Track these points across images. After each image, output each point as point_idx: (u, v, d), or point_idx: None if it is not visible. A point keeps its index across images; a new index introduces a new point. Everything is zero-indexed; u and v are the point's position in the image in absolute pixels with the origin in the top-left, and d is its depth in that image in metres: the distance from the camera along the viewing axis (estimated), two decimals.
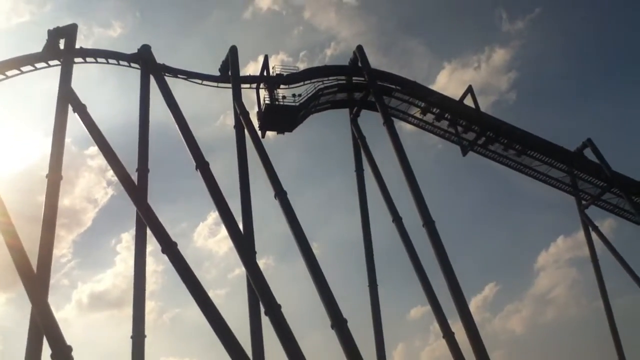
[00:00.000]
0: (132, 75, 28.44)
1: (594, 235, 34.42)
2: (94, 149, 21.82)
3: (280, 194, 23.56)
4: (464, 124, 32.71)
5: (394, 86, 31.94)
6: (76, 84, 25.73)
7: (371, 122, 32.01)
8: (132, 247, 24.52)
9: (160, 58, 28.50)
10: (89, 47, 28.34)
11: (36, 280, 20.11)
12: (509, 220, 61.15)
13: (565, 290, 60.16)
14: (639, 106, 63.83)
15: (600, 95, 65.13)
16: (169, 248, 20.56)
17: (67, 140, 24.59)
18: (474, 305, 55.93)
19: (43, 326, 19.04)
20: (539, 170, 33.80)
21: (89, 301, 58.21)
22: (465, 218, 61.77)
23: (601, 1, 66.71)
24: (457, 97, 33.02)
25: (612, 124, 61.53)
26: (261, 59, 31.70)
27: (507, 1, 67.82)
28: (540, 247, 60.60)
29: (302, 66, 63.23)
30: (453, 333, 23.87)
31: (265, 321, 20.46)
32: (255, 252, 23.73)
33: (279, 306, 19.68)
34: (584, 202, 35.00)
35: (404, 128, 34.10)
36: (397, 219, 27.57)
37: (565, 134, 56.40)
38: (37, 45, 27.26)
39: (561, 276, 60.14)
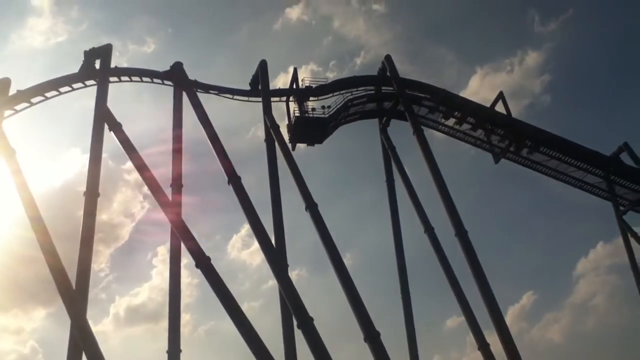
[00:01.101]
0: (166, 91, 29.18)
1: (632, 241, 33.50)
2: (131, 164, 22.64)
3: (312, 206, 23.68)
4: (496, 131, 32.37)
5: (423, 95, 31.82)
6: (111, 101, 26.49)
7: (401, 131, 32.05)
8: (168, 261, 25.05)
9: (192, 72, 29.12)
10: (124, 63, 29.53)
11: (75, 297, 20.65)
12: (545, 228, 59.83)
13: (605, 298, 58.53)
14: None
15: (637, 96, 63.57)
16: (203, 263, 20.86)
17: (104, 155, 25.26)
18: (511, 315, 55.09)
19: (82, 342, 19.54)
20: (574, 176, 33.17)
21: (126, 315, 59.14)
22: (500, 227, 60.85)
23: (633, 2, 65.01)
24: (489, 102, 32.70)
25: None
26: (291, 69, 32.09)
27: (538, 2, 66.72)
28: (579, 254, 59.33)
29: (331, 75, 63.80)
30: (488, 344, 23.62)
31: (298, 334, 20.57)
32: (287, 265, 23.88)
33: (312, 319, 19.77)
34: (622, 207, 34.07)
35: (434, 135, 33.92)
36: (429, 229, 27.47)
37: (601, 137, 55.28)
38: (74, 63, 28.14)
39: (601, 284, 58.58)
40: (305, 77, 32.00)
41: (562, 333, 57.96)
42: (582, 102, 64.93)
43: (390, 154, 31.77)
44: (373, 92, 32.19)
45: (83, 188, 23.68)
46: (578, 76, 66.21)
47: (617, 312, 56.60)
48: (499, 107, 32.18)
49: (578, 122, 61.24)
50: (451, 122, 32.47)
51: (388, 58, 32.00)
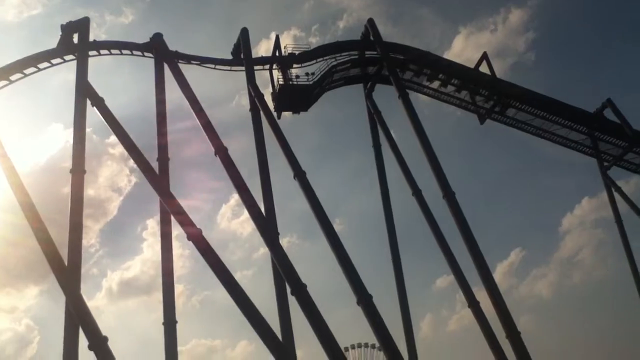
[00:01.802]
0: (147, 62, 28.71)
1: (617, 196, 34.05)
2: (116, 138, 22.40)
3: (300, 174, 23.75)
4: (481, 91, 32.41)
5: (407, 58, 31.64)
6: (92, 74, 26.15)
7: (387, 95, 31.99)
8: (158, 233, 25.10)
9: (172, 43, 28.64)
10: (103, 35, 29.09)
11: (68, 273, 20.78)
12: (531, 186, 60.94)
13: (591, 252, 59.84)
14: None
15: (621, 53, 63.75)
16: (194, 235, 20.91)
17: (88, 129, 25.09)
18: (499, 271, 56.30)
19: (78, 318, 19.71)
20: (559, 133, 33.48)
21: (119, 288, 59.65)
22: (487, 186, 61.77)
23: None
24: (474, 62, 32.68)
25: (634, 82, 60.29)
26: (273, 36, 31.68)
27: None
28: (565, 210, 60.25)
29: (314, 40, 63.23)
30: (478, 302, 24.02)
31: (292, 300, 20.87)
32: (278, 234, 24.02)
33: (305, 286, 20.05)
34: (605, 163, 34.54)
35: (420, 97, 33.91)
36: (417, 192, 27.63)
37: (586, 93, 55.63)
38: (51, 37, 27.70)
39: (587, 238, 59.91)
40: (288, 44, 31.62)
41: (550, 288, 59.45)
42: (566, 59, 65.47)
43: (376, 118, 31.71)
44: (357, 57, 31.93)
45: (68, 164, 23.60)
46: (562, 33, 66.50)
47: (602, 265, 58.03)
48: (484, 68, 32.19)
49: (562, 79, 61.68)
50: (436, 84, 32.44)
51: (371, 22, 31.71)
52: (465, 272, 25.08)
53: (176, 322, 22.99)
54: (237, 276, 20.83)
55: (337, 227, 22.90)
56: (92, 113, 24.91)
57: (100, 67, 28.89)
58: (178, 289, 36.58)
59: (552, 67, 64.95)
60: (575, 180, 55.98)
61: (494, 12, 72.59)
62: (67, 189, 23.25)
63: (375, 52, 31.38)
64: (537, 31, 66.79)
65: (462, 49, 64.45)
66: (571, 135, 33.55)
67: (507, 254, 58.47)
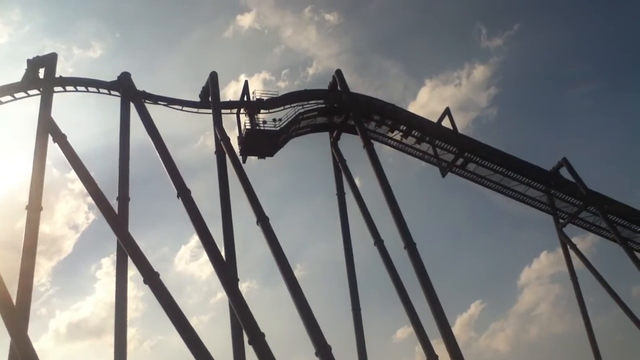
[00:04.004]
0: (113, 100, 28.52)
1: (572, 252, 34.93)
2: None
3: (263, 220, 23.56)
4: (443, 145, 33.21)
5: (372, 109, 32.31)
6: (56, 108, 25.84)
7: (352, 144, 32.42)
8: (113, 272, 24.56)
9: (140, 80, 28.77)
10: (70, 69, 29.23)
11: (15, 312, 19.83)
12: (492, 238, 61.90)
13: (549, 306, 60.56)
14: (613, 123, 65.46)
15: (578, 111, 66.58)
16: (151, 278, 20.42)
17: (48, 162, 24.46)
18: (459, 324, 56.33)
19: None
20: (517, 190, 34.41)
21: (68, 330, 57.15)
22: (448, 238, 62.37)
23: (578, 18, 68.39)
24: (438, 114, 33.57)
25: (589, 140, 62.83)
26: (243, 78, 32.08)
27: (485, 17, 69.16)
28: (524, 264, 61.25)
29: (283, 85, 64.09)
30: (437, 356, 23.87)
31: (249, 349, 20.36)
32: (237, 280, 23.65)
33: (263, 335, 19.56)
34: (561, 220, 35.58)
35: (385, 147, 34.49)
36: (378, 242, 27.78)
37: (543, 150, 57.56)
38: (15, 66, 27.33)
39: (544, 292, 60.63)
40: (257, 90, 31.90)
41: (508, 342, 59.59)
42: (526, 116, 67.72)
43: (340, 166, 32.05)
44: (324, 106, 32.43)
45: (25, 197, 22.91)
46: (523, 90, 69.03)
47: (559, 320, 58.73)
48: (446, 122, 33.10)
49: (522, 135, 63.61)
50: (399, 136, 33.11)
51: (339, 73, 32.42)
52: (425, 324, 25.04)
53: None
54: (193, 321, 20.37)
55: (298, 273, 22.78)
56: (54, 147, 24.50)
57: (64, 102, 28.48)
58: (130, 332, 35.38)
59: (512, 123, 67.29)
60: (534, 234, 57.18)
61: (459, 66, 75.22)
62: (21, 223, 22.60)
63: (341, 103, 31.96)
64: (499, 87, 69.33)
65: (427, 101, 66.31)
66: (529, 192, 34.52)
67: (467, 305, 58.65)
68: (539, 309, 61.02)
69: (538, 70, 69.24)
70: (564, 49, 68.29)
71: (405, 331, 53.86)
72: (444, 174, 33.73)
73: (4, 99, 26.49)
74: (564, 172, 34.34)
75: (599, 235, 35.33)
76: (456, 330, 23.88)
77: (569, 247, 35.05)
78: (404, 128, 32.62)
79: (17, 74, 27.02)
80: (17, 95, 26.68)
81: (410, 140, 33.16)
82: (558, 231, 35.63)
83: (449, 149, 33.17)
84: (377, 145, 30.33)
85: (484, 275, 59.00)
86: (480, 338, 59.38)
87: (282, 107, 31.36)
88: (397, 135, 33.10)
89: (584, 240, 40.91)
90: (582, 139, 63.49)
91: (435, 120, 33.36)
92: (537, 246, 59.86)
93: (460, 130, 33.56)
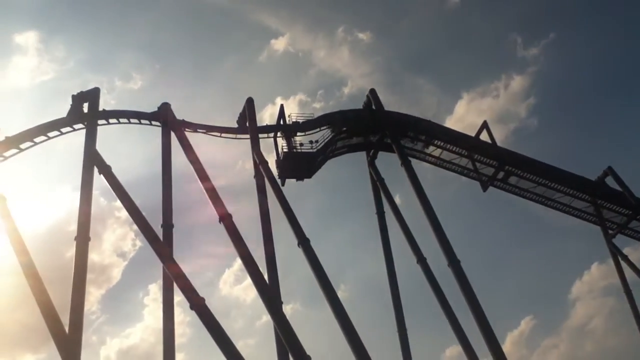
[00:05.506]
0: (154, 130, 29.34)
1: (623, 264, 33.71)
2: None
3: (304, 242, 23.71)
4: (482, 159, 32.78)
5: (408, 127, 32.21)
6: (100, 140, 26.77)
7: (390, 162, 32.30)
8: (160, 299, 24.87)
9: (179, 107, 29.37)
10: (112, 101, 30.07)
11: (69, 342, 20.43)
12: (538, 252, 59.76)
13: (603, 320, 58.17)
14: None
15: (621, 118, 64.67)
16: (197, 304, 20.67)
17: (95, 192, 25.34)
18: (510, 341, 54.74)
19: None
20: (562, 201, 33.56)
21: (118, 357, 57.98)
22: (493, 254, 60.82)
23: (615, 24, 66.78)
24: (477, 127, 33.21)
25: (634, 147, 60.77)
26: (279, 100, 32.48)
27: (520, 27, 68.14)
28: (574, 277, 59.29)
29: (319, 105, 64.59)
30: None
31: None
32: (281, 302, 23.75)
33: (309, 357, 19.58)
34: (610, 231, 34.39)
35: (423, 163, 34.19)
36: (421, 260, 27.55)
37: (587, 160, 56.02)
38: (61, 101, 28.40)
39: (598, 306, 58.34)
40: (292, 113, 32.24)
41: (562, 359, 57.47)
42: (567, 125, 66.07)
43: (379, 185, 32.01)
44: (359, 127, 32.45)
45: (74, 227, 23.66)
46: (563, 99, 67.40)
47: (615, 334, 56.31)
48: (484, 136, 32.69)
49: (564, 145, 62.01)
50: (437, 152, 32.87)
51: (372, 92, 32.53)
52: (474, 342, 24.55)
53: None
54: (239, 345, 20.36)
55: (341, 294, 22.65)
56: (101, 178, 25.30)
57: (108, 132, 29.43)
58: (178, 357, 35.69)
59: (553, 133, 65.59)
60: (582, 245, 55.20)
61: (495, 78, 74.29)
62: (70, 253, 23.32)
63: (376, 121, 31.96)
64: (538, 97, 68.00)
65: (465, 114, 65.44)
66: (574, 203, 33.61)
67: (517, 322, 56.91)
68: (593, 324, 58.77)
69: (577, 78, 67.76)
70: (602, 55, 66.56)
71: (455, 349, 52.52)
72: (485, 189, 33.22)
73: (51, 134, 27.54)
74: (610, 181, 33.28)
75: None
76: (507, 348, 23.35)
77: (620, 258, 33.78)
78: (440, 143, 32.40)
79: (63, 108, 28.25)
80: (63, 130, 27.72)
81: (448, 156, 32.87)
82: (607, 242, 34.38)
83: (489, 162, 32.67)
84: (415, 162, 30.17)
85: (533, 290, 57.15)
86: (533, 355, 57.48)
87: (318, 129, 31.61)
88: (434, 151, 32.89)
89: (637, 251, 39.33)
90: (627, 147, 61.44)
91: (473, 134, 33.03)
92: (587, 258, 57.79)
93: (500, 142, 33.24)
